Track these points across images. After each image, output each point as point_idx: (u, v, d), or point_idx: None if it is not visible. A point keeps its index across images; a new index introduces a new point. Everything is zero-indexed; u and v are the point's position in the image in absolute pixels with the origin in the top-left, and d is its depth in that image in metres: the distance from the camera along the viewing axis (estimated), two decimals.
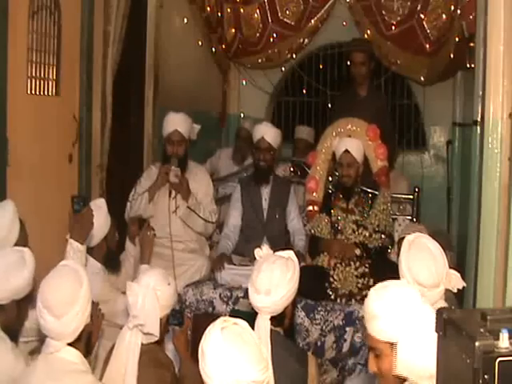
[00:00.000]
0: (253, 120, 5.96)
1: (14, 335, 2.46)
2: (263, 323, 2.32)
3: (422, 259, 2.30)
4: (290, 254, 2.50)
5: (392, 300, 1.80)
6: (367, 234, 4.01)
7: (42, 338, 2.69)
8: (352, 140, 4.21)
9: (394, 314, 1.77)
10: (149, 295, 2.38)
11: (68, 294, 2.10)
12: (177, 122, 4.15)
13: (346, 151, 4.08)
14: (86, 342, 2.24)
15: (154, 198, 4.13)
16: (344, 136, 4.35)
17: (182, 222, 4.17)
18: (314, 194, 4.57)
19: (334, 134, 4.55)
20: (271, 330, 2.33)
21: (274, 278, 2.34)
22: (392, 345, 1.77)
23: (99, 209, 3.13)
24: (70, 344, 2.12)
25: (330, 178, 4.63)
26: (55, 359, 2.11)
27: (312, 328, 3.80)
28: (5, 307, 2.40)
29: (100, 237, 3.18)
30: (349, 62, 5.24)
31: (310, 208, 4.55)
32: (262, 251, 2.52)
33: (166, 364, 2.53)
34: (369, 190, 4.22)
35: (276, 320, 2.41)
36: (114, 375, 2.32)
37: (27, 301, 2.50)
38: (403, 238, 2.64)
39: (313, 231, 4.21)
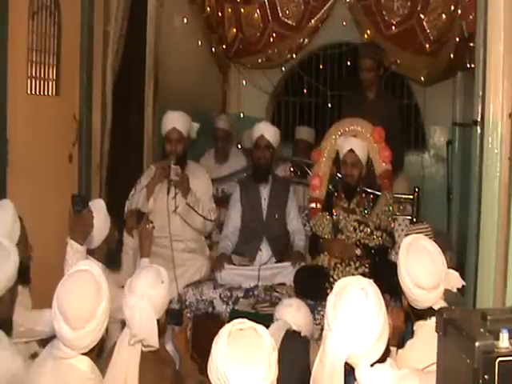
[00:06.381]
0: (226, 117, 5.92)
1: (7, 327, 2.42)
2: None
3: (421, 262, 2.28)
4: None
5: None
6: (368, 231, 4.01)
7: (42, 339, 2.69)
8: (357, 140, 4.20)
9: None
10: (144, 308, 2.33)
11: (87, 308, 2.02)
12: (175, 120, 4.16)
13: (351, 150, 4.08)
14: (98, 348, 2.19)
15: (152, 193, 4.09)
16: (349, 135, 4.34)
17: (182, 221, 4.17)
18: (317, 191, 4.58)
19: (339, 132, 4.54)
20: None
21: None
22: None
23: (98, 210, 3.11)
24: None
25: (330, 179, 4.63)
26: (65, 365, 2.07)
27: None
28: (2, 299, 2.37)
29: (100, 238, 3.16)
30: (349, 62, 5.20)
31: (313, 205, 4.55)
32: None
33: (166, 360, 2.53)
34: (371, 191, 4.22)
35: None
36: (113, 377, 2.31)
37: (15, 288, 2.43)
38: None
39: (314, 230, 4.22)
